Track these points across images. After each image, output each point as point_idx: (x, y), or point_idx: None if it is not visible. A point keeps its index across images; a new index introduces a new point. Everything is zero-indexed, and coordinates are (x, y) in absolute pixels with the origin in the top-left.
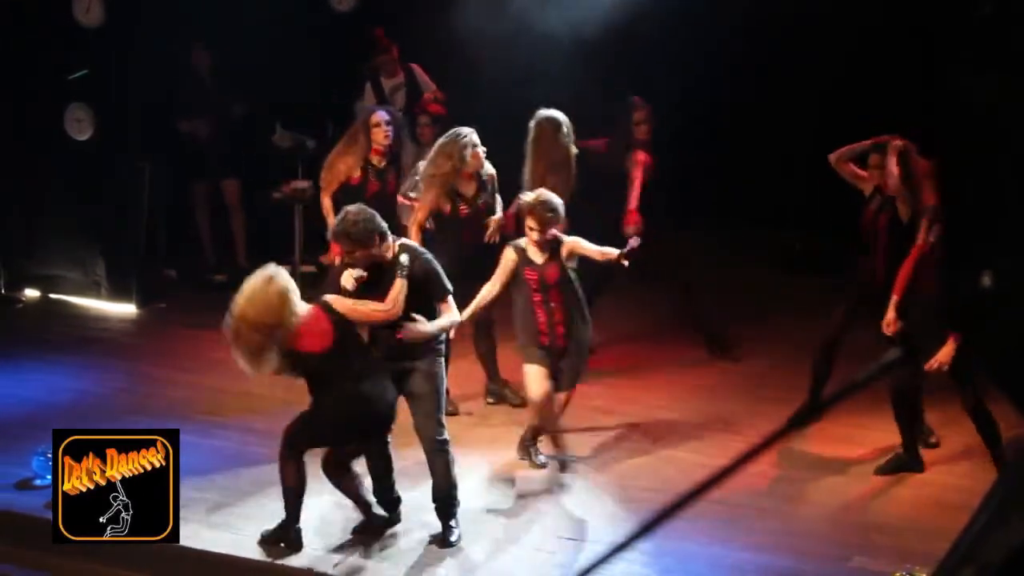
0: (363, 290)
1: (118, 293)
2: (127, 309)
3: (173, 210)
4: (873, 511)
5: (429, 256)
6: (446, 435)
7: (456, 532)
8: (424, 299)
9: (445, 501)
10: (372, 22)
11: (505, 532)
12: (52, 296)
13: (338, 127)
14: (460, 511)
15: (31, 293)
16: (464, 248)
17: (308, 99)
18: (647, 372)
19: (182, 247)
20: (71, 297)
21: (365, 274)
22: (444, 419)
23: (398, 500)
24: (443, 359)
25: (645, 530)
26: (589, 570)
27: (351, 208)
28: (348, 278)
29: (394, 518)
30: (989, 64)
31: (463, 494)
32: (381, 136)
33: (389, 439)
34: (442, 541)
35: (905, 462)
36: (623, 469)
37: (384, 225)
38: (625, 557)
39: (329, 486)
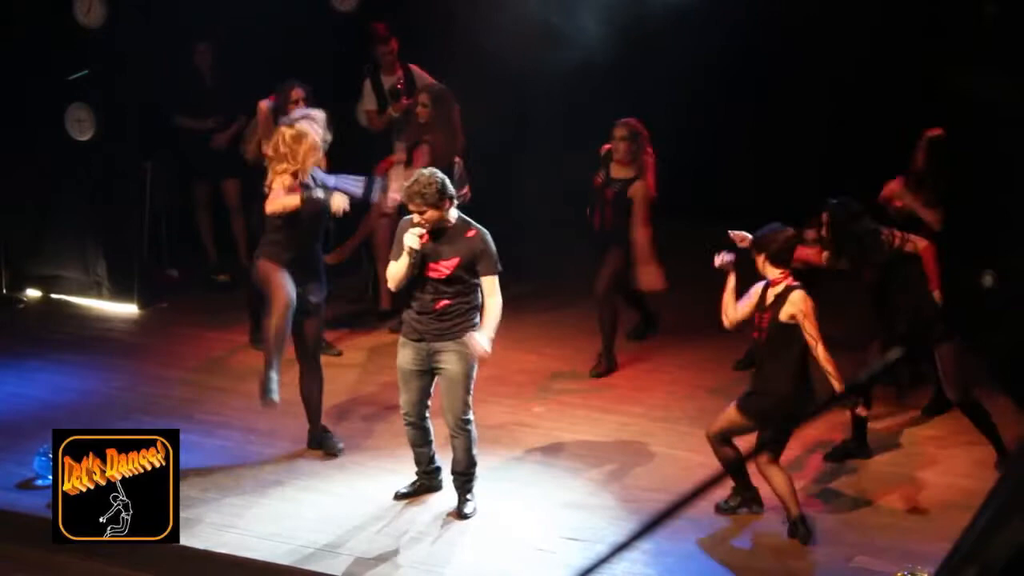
0: (426, 250)
1: (120, 293)
2: (129, 309)
3: (175, 210)
4: (875, 510)
5: (486, 232)
6: (471, 415)
7: (471, 505)
8: (472, 273)
9: (463, 476)
10: (374, 21)
11: (506, 532)
12: (54, 296)
13: (338, 128)
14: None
15: (33, 293)
16: None
17: (309, 99)
18: (647, 372)
19: (184, 247)
20: (73, 297)
21: (426, 232)
22: (471, 399)
23: (438, 469)
24: None
25: (647, 530)
26: (590, 570)
27: (425, 171)
28: (412, 237)
29: (435, 485)
30: (994, 64)
31: None
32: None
33: (428, 414)
34: (457, 513)
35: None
36: (624, 469)
37: (452, 190)
38: (626, 557)
39: (331, 484)
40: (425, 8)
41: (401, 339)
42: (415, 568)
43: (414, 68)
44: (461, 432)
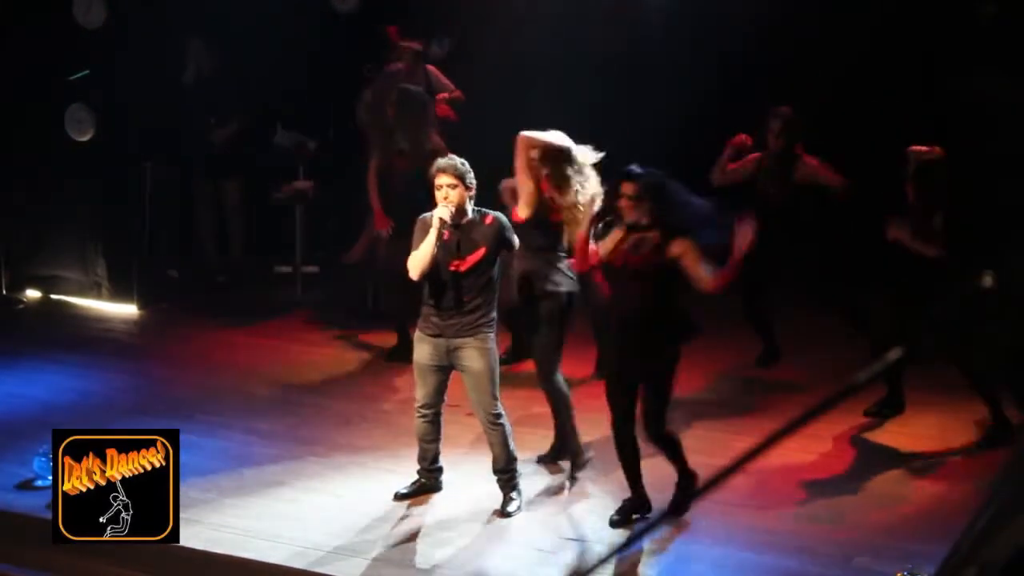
0: (450, 246)
1: (119, 293)
2: (129, 309)
3: (175, 210)
4: (875, 511)
5: (500, 214)
6: (500, 409)
7: (516, 503)
8: (496, 261)
9: (504, 473)
10: (374, 21)
11: (506, 532)
12: (53, 297)
13: (339, 128)
14: (459, 511)
15: (32, 294)
16: None
17: (310, 100)
18: None
19: (184, 247)
20: (72, 298)
21: (454, 210)
22: (498, 393)
23: (440, 469)
24: (494, 335)
25: (647, 530)
26: (590, 570)
27: (454, 156)
28: (444, 209)
29: (435, 486)
30: (993, 64)
31: (465, 495)
32: None
33: (441, 410)
34: (501, 511)
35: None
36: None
37: (474, 180)
38: (626, 557)
39: (331, 485)
40: (427, 6)
41: (418, 334)
42: (413, 568)
43: (431, 70)
44: (493, 427)
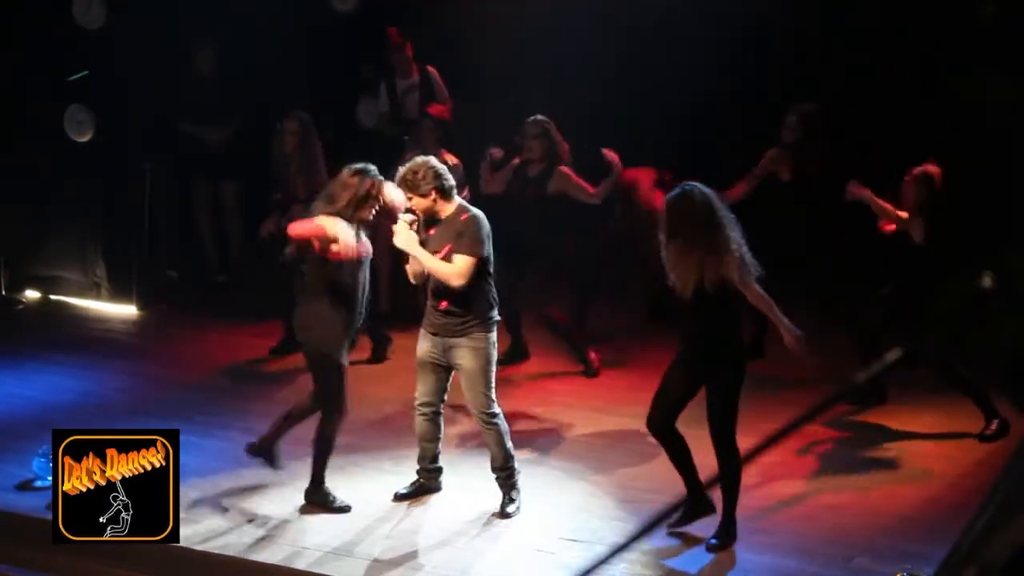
0: (423, 242)
1: (119, 294)
2: (128, 310)
3: (174, 211)
4: (874, 511)
5: (479, 217)
6: (496, 408)
7: (515, 504)
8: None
9: (503, 471)
10: (374, 22)
11: (505, 532)
12: (53, 297)
13: (339, 128)
14: (459, 511)
15: (32, 294)
16: None
17: (310, 100)
18: (647, 372)
19: (183, 248)
20: (72, 298)
21: (416, 220)
22: (493, 393)
23: (440, 470)
24: (493, 334)
25: (646, 530)
26: (589, 571)
27: (419, 159)
28: (402, 222)
29: (434, 486)
30: (993, 64)
31: (464, 495)
32: None
33: (441, 409)
34: (500, 512)
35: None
36: (623, 469)
37: (449, 183)
38: (626, 557)
39: (331, 485)
40: (426, 7)
41: (421, 330)
42: (413, 569)
43: (432, 72)
44: (489, 426)
